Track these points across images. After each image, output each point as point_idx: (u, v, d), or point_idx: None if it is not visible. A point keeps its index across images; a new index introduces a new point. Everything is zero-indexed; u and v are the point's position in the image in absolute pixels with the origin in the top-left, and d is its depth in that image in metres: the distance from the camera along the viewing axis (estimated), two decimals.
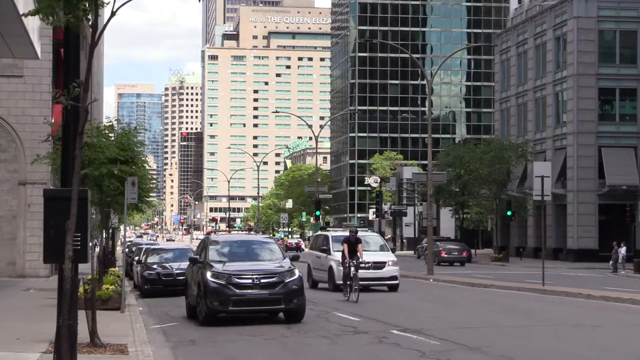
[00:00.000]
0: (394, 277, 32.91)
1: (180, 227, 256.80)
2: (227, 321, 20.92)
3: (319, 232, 40.79)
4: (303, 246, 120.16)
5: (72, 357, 12.04)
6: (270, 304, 20.82)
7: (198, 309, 21.25)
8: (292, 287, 20.78)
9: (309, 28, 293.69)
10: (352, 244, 28.28)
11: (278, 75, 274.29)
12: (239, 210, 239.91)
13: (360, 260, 27.75)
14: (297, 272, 21.27)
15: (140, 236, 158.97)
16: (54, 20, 11.15)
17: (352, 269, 27.34)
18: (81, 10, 11.03)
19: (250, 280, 20.63)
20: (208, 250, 21.99)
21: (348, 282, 27.50)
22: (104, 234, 33.44)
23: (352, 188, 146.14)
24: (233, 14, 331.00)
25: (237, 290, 20.49)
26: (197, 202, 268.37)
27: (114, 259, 49.39)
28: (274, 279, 20.81)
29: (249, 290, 20.59)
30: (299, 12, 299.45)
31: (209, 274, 20.75)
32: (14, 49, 22.40)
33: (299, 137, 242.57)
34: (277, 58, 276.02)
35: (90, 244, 14.93)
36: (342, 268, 28.93)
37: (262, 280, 20.68)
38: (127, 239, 48.08)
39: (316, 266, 33.91)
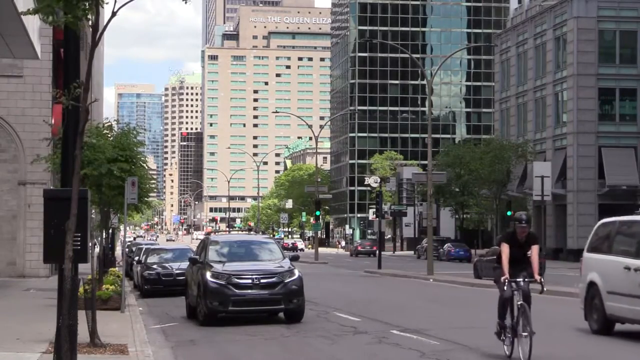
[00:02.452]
0: None
1: (180, 227, 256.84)
2: (227, 321, 20.93)
3: (621, 218, 19.06)
4: (302, 246, 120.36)
5: (72, 357, 12.04)
6: (270, 304, 20.86)
7: (198, 309, 21.28)
8: (291, 287, 20.83)
9: (309, 28, 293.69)
10: (519, 245, 14.48)
11: (278, 75, 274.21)
12: (239, 210, 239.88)
13: (537, 278, 14.19)
14: (297, 272, 21.29)
15: (141, 236, 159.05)
16: (53, 20, 11.15)
17: (517, 295, 14.27)
18: (81, 10, 11.02)
19: (249, 281, 20.70)
20: (208, 251, 22.02)
21: (508, 323, 14.61)
22: (104, 234, 33.43)
23: (352, 188, 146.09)
24: (233, 14, 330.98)
25: (236, 291, 20.55)
26: (197, 202, 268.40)
27: (113, 258, 49.38)
28: (273, 279, 20.85)
29: (249, 291, 20.66)
30: (299, 12, 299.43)
31: (208, 274, 20.78)
32: (14, 49, 22.40)
33: (299, 137, 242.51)
34: (277, 58, 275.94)
35: (90, 244, 14.94)
36: None
37: (262, 281, 20.73)
38: (127, 239, 48.07)
39: (620, 287, 16.79)
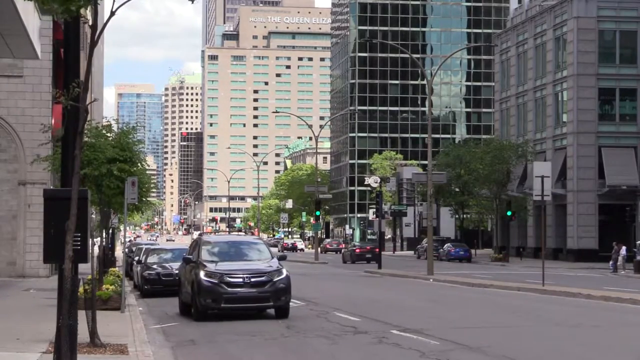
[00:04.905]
0: None
1: (180, 227, 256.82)
2: (226, 320, 21.08)
3: None
4: (302, 246, 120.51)
5: (72, 357, 12.04)
6: (260, 301, 21.98)
7: (193, 305, 22.21)
8: (279, 286, 21.94)
9: (309, 28, 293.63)
10: None
11: (278, 75, 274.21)
12: (239, 210, 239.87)
13: None
14: (284, 271, 22.44)
15: (140, 236, 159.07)
16: (48, 8, 11.12)
17: None
18: (77, 4, 11.00)
19: (241, 279, 21.81)
20: (201, 251, 23.12)
21: None
22: (104, 233, 33.42)
23: (352, 188, 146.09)
24: (233, 14, 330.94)
25: (228, 289, 21.66)
26: (197, 202, 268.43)
27: (113, 258, 49.37)
28: (263, 278, 21.96)
29: (240, 289, 21.78)
30: (299, 12, 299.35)
31: (202, 273, 21.85)
32: (14, 49, 22.42)
33: (299, 137, 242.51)
34: (277, 58, 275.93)
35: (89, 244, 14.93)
36: None
37: (252, 279, 21.84)
38: (127, 239, 48.09)
39: None
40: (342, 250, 70.40)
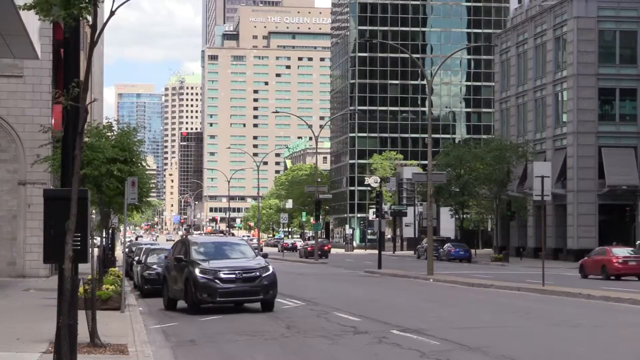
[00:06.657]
0: None
1: (180, 227, 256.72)
2: (225, 320, 21.06)
3: None
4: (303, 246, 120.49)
5: (72, 357, 12.04)
6: (251, 295, 23.95)
7: (186, 300, 24.00)
8: (268, 281, 24.00)
9: (309, 28, 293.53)
10: None
11: (278, 75, 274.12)
12: (239, 210, 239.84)
13: None
14: (271, 268, 24.54)
15: (141, 236, 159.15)
16: (48, 15, 11.12)
17: None
18: (77, 8, 11.00)
19: (234, 275, 23.71)
20: (190, 250, 24.88)
21: None
22: (104, 233, 33.40)
23: (352, 188, 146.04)
24: (233, 14, 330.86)
25: (222, 284, 23.54)
26: (197, 202, 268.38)
27: (113, 258, 49.34)
28: (252, 274, 23.95)
29: (233, 284, 23.66)
30: (299, 12, 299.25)
31: (197, 271, 23.62)
32: (14, 49, 22.41)
33: (299, 137, 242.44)
34: (277, 58, 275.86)
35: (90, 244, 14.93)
36: None
37: (244, 275, 23.81)
38: (127, 239, 48.05)
39: None
40: (298, 248, 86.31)
